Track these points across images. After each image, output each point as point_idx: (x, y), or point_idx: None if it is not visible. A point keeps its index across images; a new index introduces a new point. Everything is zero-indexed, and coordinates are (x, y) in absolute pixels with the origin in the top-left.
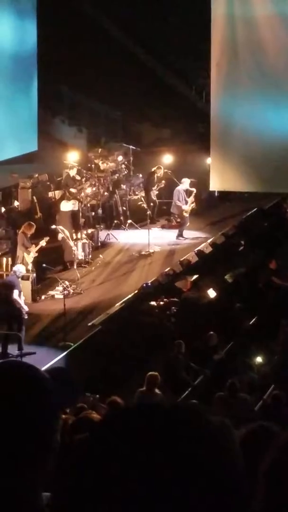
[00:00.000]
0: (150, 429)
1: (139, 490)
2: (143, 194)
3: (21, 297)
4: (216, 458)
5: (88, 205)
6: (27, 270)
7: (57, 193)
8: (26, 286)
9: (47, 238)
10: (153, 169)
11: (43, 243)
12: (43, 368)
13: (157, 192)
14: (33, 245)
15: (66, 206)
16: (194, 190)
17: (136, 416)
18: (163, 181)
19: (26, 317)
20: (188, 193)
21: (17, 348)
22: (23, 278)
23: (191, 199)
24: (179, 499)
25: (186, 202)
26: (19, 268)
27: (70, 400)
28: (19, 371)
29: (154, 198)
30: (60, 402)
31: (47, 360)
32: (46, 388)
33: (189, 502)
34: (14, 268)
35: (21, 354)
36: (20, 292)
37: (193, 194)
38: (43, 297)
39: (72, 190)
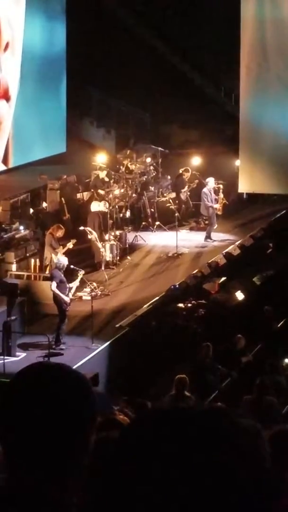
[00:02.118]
0: (180, 432)
1: (167, 492)
2: (171, 196)
3: (69, 288)
4: (246, 461)
5: (116, 206)
6: None
7: (85, 195)
8: None
9: (74, 241)
10: (180, 171)
11: (70, 245)
12: None
13: (188, 193)
14: (61, 246)
15: (96, 206)
16: (220, 186)
17: (165, 419)
18: (196, 180)
19: (67, 309)
20: (215, 191)
21: (54, 339)
22: (49, 279)
23: (220, 195)
24: (207, 500)
25: (216, 201)
26: (59, 260)
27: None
28: (66, 373)
29: (185, 199)
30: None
31: (74, 361)
32: (91, 392)
33: (216, 504)
34: (55, 260)
35: (49, 355)
36: (62, 283)
37: (221, 190)
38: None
39: (101, 191)
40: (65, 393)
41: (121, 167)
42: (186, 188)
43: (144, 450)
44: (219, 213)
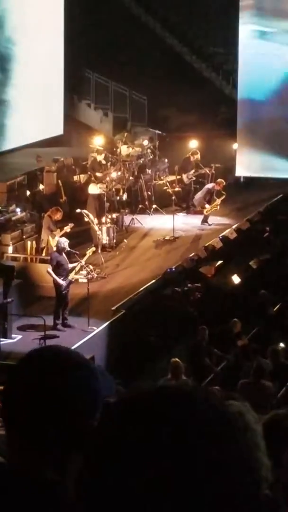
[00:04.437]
0: (159, 411)
1: (148, 471)
2: (168, 179)
3: (70, 269)
4: (225, 445)
5: (113, 189)
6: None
7: (82, 177)
8: None
9: (71, 225)
10: (188, 154)
11: (67, 229)
12: None
13: (194, 178)
14: (58, 229)
15: (95, 189)
16: (224, 194)
17: (144, 399)
18: (202, 170)
19: (64, 291)
20: (218, 193)
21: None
22: (47, 262)
23: (218, 201)
24: (187, 484)
25: (211, 202)
26: (59, 241)
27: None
28: (72, 358)
29: (188, 182)
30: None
31: (70, 343)
32: (95, 378)
33: (196, 488)
34: (52, 243)
35: (44, 337)
36: (61, 265)
37: (222, 198)
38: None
39: (98, 174)
40: (70, 378)
41: (118, 150)
42: (192, 171)
43: (125, 429)
44: (206, 213)
